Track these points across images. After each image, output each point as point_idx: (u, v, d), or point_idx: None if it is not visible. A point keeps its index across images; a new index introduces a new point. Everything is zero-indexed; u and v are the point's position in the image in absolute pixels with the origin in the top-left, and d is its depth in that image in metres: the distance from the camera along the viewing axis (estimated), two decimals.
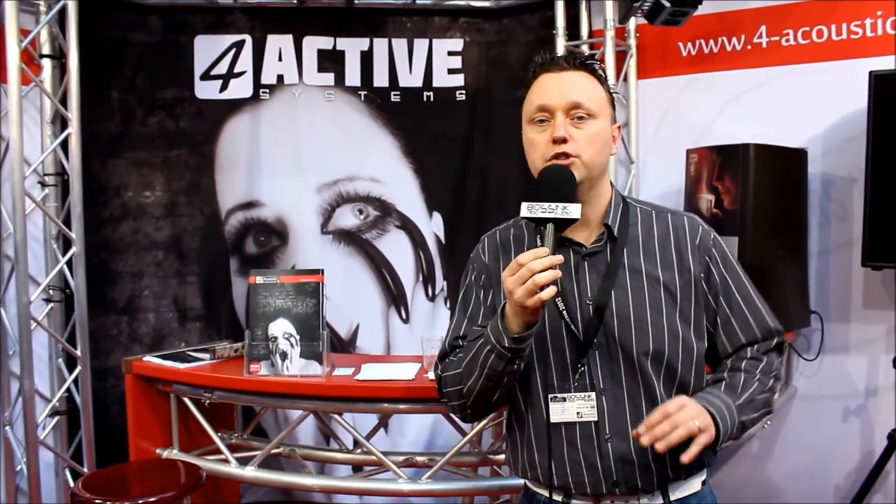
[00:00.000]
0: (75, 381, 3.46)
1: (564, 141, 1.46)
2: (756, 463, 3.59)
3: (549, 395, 1.50)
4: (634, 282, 1.50)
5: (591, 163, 1.48)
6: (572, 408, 1.48)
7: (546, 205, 1.39)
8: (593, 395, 1.48)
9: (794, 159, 3.32)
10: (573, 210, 1.39)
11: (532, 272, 1.32)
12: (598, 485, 1.48)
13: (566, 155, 1.46)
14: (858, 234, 3.18)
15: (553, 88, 1.50)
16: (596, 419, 1.48)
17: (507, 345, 1.41)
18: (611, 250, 1.52)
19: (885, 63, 3.23)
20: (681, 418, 1.34)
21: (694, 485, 1.55)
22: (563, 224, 1.40)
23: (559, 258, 1.35)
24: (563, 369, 1.49)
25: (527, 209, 1.40)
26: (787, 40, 3.55)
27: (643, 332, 1.48)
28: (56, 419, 3.55)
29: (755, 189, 3.14)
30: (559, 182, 1.43)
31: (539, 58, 1.55)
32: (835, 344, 3.43)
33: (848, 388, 3.42)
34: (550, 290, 1.33)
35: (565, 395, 1.48)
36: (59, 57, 3.53)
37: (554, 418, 1.50)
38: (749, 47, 3.64)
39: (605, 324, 1.48)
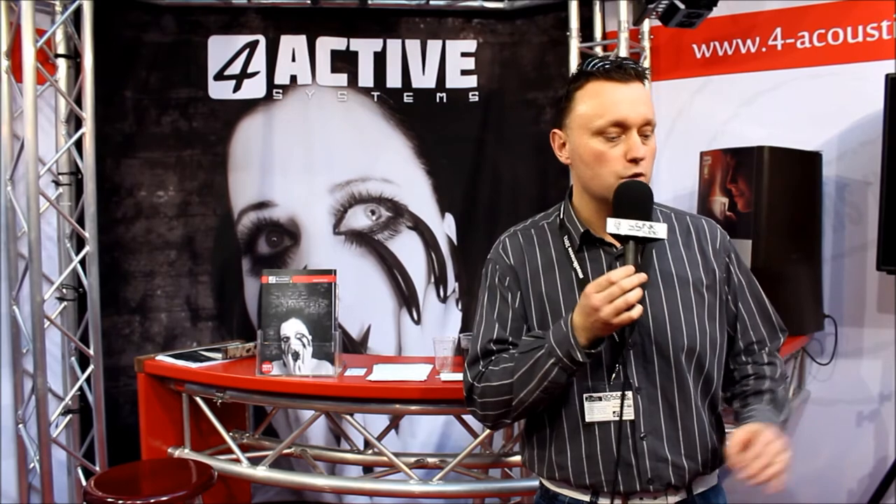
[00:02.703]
0: (88, 380, 3.47)
1: (642, 160, 1.46)
2: None
3: (585, 395, 1.50)
4: (665, 282, 1.52)
5: (650, 176, 1.51)
6: (608, 407, 1.48)
7: (634, 222, 1.40)
8: (629, 393, 1.48)
9: (808, 162, 3.30)
10: (660, 230, 1.41)
11: (623, 290, 1.33)
12: (632, 483, 1.49)
13: (640, 174, 1.47)
14: (873, 238, 3.16)
15: (627, 103, 1.46)
16: (632, 418, 1.48)
17: (580, 359, 1.41)
18: (641, 251, 1.52)
19: None
20: (771, 452, 1.41)
21: (713, 478, 1.59)
22: (643, 241, 1.41)
23: (645, 276, 1.37)
24: (600, 369, 1.49)
25: (614, 225, 1.40)
26: (802, 42, 3.54)
27: (678, 330, 1.50)
28: (69, 418, 3.57)
29: (769, 192, 3.12)
30: (644, 200, 1.45)
31: (589, 62, 1.51)
32: (848, 348, 3.41)
33: (862, 392, 3.40)
34: (638, 309, 1.35)
35: (601, 394, 1.49)
36: (73, 56, 3.55)
37: (589, 418, 1.50)
38: (764, 49, 3.62)
39: (640, 324, 1.47)
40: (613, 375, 1.49)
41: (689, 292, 1.52)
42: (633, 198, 1.44)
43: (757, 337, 1.63)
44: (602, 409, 1.49)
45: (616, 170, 1.46)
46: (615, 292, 1.33)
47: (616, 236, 1.41)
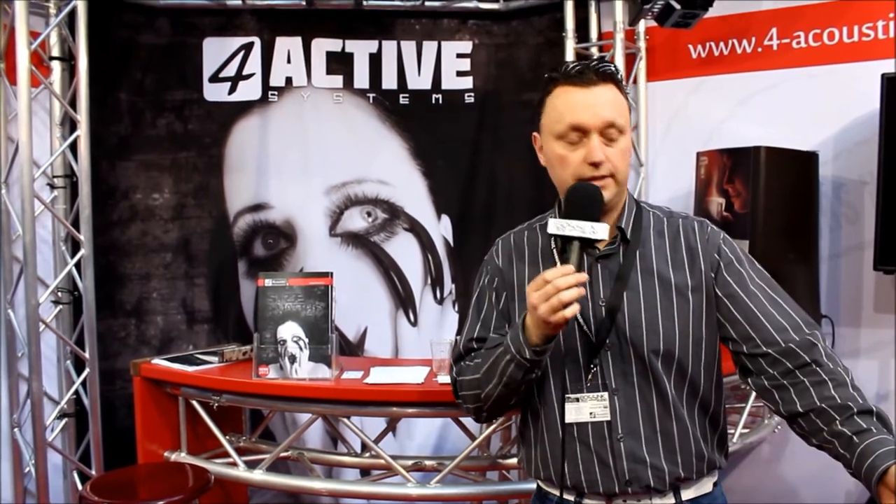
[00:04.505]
0: (83, 384, 3.46)
1: (601, 163, 1.47)
2: (767, 467, 3.57)
3: (563, 396, 1.51)
4: (646, 283, 1.51)
5: (622, 177, 1.51)
6: (585, 408, 1.50)
7: (576, 223, 1.41)
8: (606, 395, 1.49)
9: (804, 162, 3.30)
10: (601, 231, 1.41)
11: (558, 289, 1.34)
12: (611, 484, 1.49)
13: (602, 176, 1.47)
14: (870, 238, 3.16)
15: (585, 107, 1.48)
16: (609, 419, 1.49)
17: (528, 356, 1.43)
18: (623, 253, 1.54)
19: None
20: None
21: (705, 486, 1.56)
22: (589, 241, 1.42)
23: (584, 276, 1.38)
24: (577, 370, 1.51)
25: (555, 227, 1.42)
26: (798, 42, 3.54)
27: (654, 332, 1.49)
28: (64, 421, 3.56)
29: (766, 192, 3.12)
30: (590, 201, 1.45)
31: (563, 66, 1.52)
32: (845, 348, 3.41)
33: None
34: (574, 308, 1.36)
35: (578, 395, 1.50)
36: (68, 59, 3.54)
37: (568, 418, 1.50)
38: (760, 49, 3.62)
39: (617, 325, 1.49)
40: (590, 377, 1.50)
41: (671, 294, 1.51)
42: (580, 200, 1.45)
43: (781, 323, 1.46)
44: (580, 409, 1.50)
45: (577, 172, 1.48)
46: (549, 291, 1.35)
47: (560, 237, 1.43)
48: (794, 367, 1.44)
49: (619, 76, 1.55)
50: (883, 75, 3.05)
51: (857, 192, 3.39)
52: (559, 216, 1.49)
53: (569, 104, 1.49)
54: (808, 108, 3.45)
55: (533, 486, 1.67)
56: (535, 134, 1.61)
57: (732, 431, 3.04)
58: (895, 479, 1.25)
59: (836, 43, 3.46)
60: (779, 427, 3.26)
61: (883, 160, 3.06)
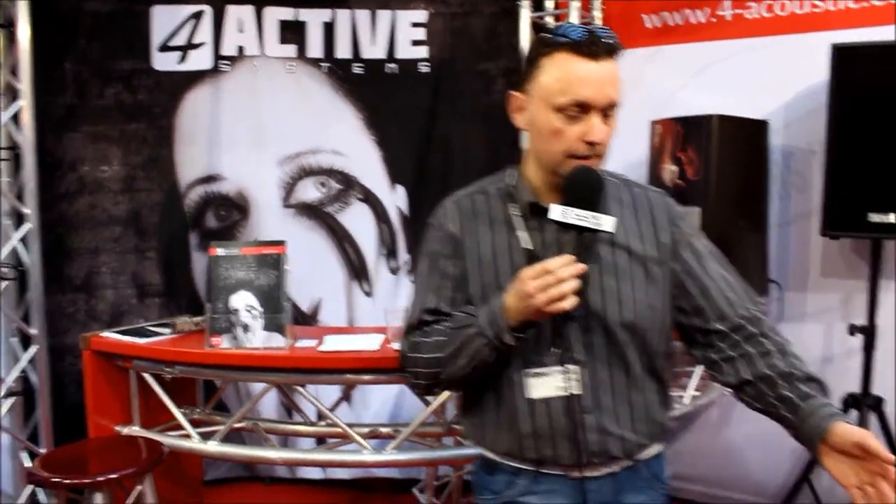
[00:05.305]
0: (31, 361, 3.38)
1: (598, 144, 1.43)
2: (714, 430, 3.64)
3: (527, 370, 1.48)
4: (611, 254, 1.49)
5: (606, 154, 1.47)
6: (550, 382, 1.46)
7: (581, 212, 1.37)
8: (571, 368, 1.46)
9: (755, 131, 3.34)
10: (607, 223, 1.39)
11: (559, 280, 1.32)
12: (577, 457, 1.47)
13: (594, 155, 1.43)
14: (817, 205, 3.21)
15: (593, 83, 1.39)
16: (574, 392, 1.46)
17: (507, 341, 1.40)
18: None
19: (846, 36, 3.24)
20: None
21: (657, 448, 1.58)
22: (587, 231, 1.39)
23: (584, 267, 1.35)
24: (541, 343, 1.47)
25: (560, 214, 1.38)
26: (751, 13, 3.57)
27: (620, 303, 1.47)
28: (11, 401, 3.47)
29: (718, 160, 3.15)
30: (593, 189, 1.42)
31: (562, 28, 1.43)
32: (793, 313, 3.49)
33: (804, 355, 3.33)
34: (572, 300, 1.33)
35: (542, 369, 1.47)
36: (7, 26, 3.41)
37: (532, 394, 1.48)
38: (713, 20, 3.65)
39: (583, 296, 1.44)
40: (555, 349, 1.46)
41: (635, 265, 1.49)
42: (583, 187, 1.40)
43: (732, 299, 1.52)
44: (545, 384, 1.46)
45: (570, 147, 1.42)
46: (550, 281, 1.32)
47: (560, 223, 1.39)
48: (742, 339, 1.51)
49: (621, 49, 1.46)
50: (832, 45, 3.09)
51: (805, 160, 3.45)
52: (562, 201, 1.40)
53: (576, 77, 1.39)
54: (760, 78, 3.47)
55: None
56: (514, 93, 1.51)
57: (682, 395, 3.09)
58: (835, 437, 1.31)
59: (788, 14, 3.50)
60: (728, 391, 3.32)
61: (831, 129, 3.11)
